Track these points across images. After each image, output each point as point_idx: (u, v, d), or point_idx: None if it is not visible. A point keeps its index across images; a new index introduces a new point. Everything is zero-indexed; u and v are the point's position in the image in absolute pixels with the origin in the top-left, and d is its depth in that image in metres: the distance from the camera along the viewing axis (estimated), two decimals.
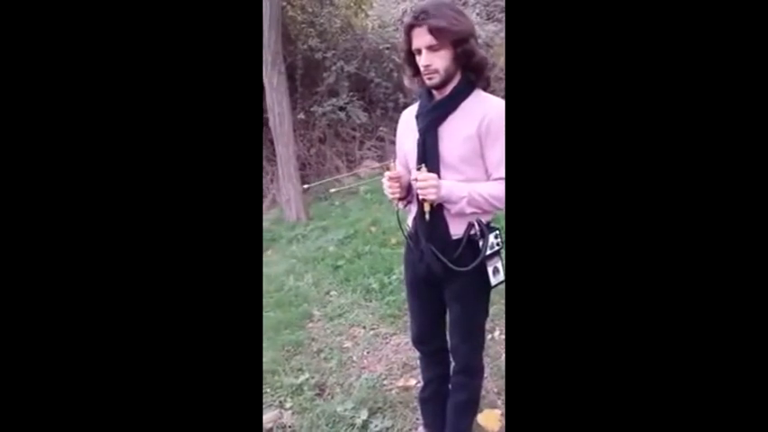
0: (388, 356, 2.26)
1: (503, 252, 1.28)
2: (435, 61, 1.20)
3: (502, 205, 1.22)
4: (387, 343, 2.37)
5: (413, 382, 2.04)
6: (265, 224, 4.57)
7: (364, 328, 2.52)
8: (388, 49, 5.95)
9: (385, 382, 2.06)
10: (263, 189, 5.27)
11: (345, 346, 2.38)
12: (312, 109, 5.51)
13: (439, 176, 1.24)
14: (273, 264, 3.56)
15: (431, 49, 1.19)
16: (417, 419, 1.78)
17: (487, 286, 1.31)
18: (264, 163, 5.27)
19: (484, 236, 1.25)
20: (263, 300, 2.94)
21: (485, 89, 1.28)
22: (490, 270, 1.28)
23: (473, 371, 1.50)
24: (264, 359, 2.27)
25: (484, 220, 1.28)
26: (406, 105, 6.82)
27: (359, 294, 2.87)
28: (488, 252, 1.26)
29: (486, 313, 1.43)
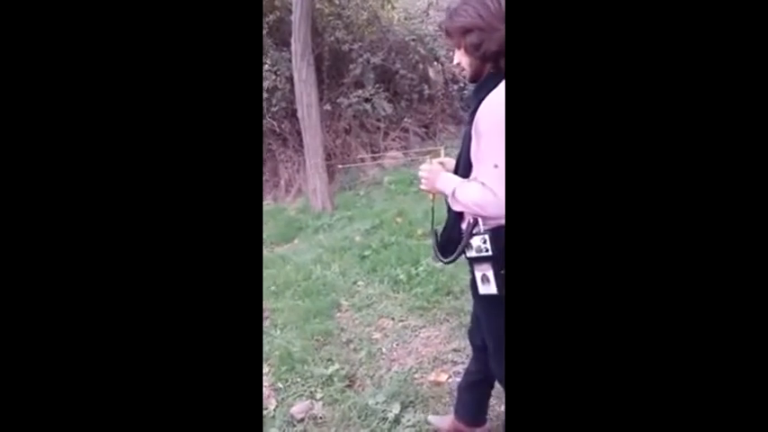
0: (417, 350, 2.23)
1: (499, 264, 1.16)
2: (459, 58, 1.22)
3: (482, 210, 1.15)
4: (416, 336, 2.35)
5: (444, 377, 2.01)
6: (292, 213, 4.58)
7: (393, 319, 2.50)
8: (413, 40, 5.88)
9: (416, 376, 2.04)
10: (291, 178, 5.28)
11: (374, 337, 2.36)
12: (338, 100, 5.49)
13: (470, 172, 1.21)
14: (301, 252, 3.57)
15: (455, 47, 1.22)
16: (449, 413, 1.76)
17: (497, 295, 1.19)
18: (292, 153, 5.27)
19: (472, 235, 1.19)
20: (291, 289, 2.95)
21: None
22: (478, 276, 1.21)
23: (498, 381, 1.46)
24: (294, 348, 2.27)
25: (492, 221, 1.17)
26: (430, 97, 6.70)
27: (386, 285, 2.84)
28: (475, 254, 1.19)
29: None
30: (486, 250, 1.17)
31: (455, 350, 2.17)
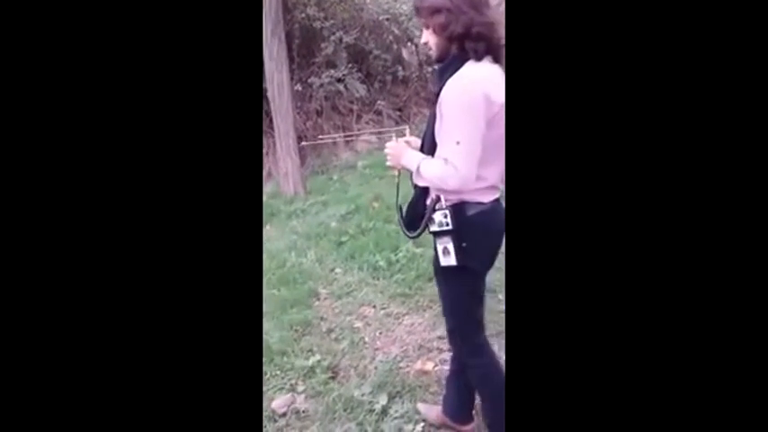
0: (401, 338, 2.17)
1: (459, 238, 1.25)
2: (427, 37, 1.26)
3: (444, 185, 1.21)
4: (399, 323, 2.28)
5: (430, 365, 1.95)
6: (262, 198, 4.41)
7: (374, 307, 2.42)
8: (387, 20, 5.74)
9: (401, 365, 1.97)
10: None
11: (356, 326, 2.28)
12: (309, 80, 5.31)
13: (435, 150, 1.24)
14: (273, 239, 3.43)
15: (424, 26, 1.26)
16: (438, 404, 1.71)
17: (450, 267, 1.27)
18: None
19: (435, 210, 1.26)
20: (266, 277, 2.83)
21: (479, 60, 1.20)
22: (440, 249, 1.27)
23: (460, 356, 1.48)
24: (272, 339, 2.17)
25: (453, 197, 1.24)
26: (404, 78, 6.53)
27: (366, 272, 2.76)
28: (437, 229, 1.26)
29: (465, 298, 1.36)
30: (447, 224, 1.24)
31: (440, 337, 2.11)
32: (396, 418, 1.68)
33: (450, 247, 1.25)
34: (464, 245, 1.24)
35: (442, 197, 1.25)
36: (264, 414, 1.75)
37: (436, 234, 1.27)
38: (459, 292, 1.36)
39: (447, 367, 1.80)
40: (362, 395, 1.77)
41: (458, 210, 1.24)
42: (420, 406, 1.71)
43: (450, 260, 1.25)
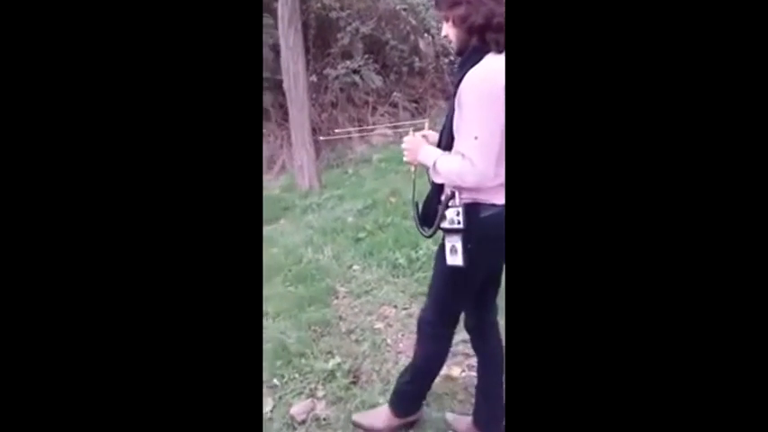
0: None
1: (468, 239, 1.23)
2: (447, 30, 1.24)
3: (461, 181, 1.19)
4: None
5: (457, 371, 1.85)
6: (276, 191, 4.34)
7: (395, 307, 2.32)
8: (404, 10, 5.60)
9: None
10: (273, 155, 5.00)
11: (377, 327, 2.19)
12: (325, 72, 5.20)
13: (453, 144, 1.23)
14: (289, 234, 3.35)
15: (444, 19, 1.24)
16: (465, 412, 1.61)
17: (443, 261, 1.27)
18: (274, 127, 4.99)
19: (448, 207, 1.24)
20: (282, 273, 2.74)
21: (500, 52, 1.16)
22: (448, 247, 1.26)
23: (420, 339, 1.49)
24: (290, 340, 2.08)
25: (467, 196, 1.23)
26: (421, 70, 6.41)
27: (385, 270, 2.66)
28: (448, 226, 1.24)
29: (445, 290, 1.37)
30: (459, 222, 1.22)
31: (464, 341, 1.99)
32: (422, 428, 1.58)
33: (459, 246, 1.23)
34: (469, 246, 1.22)
35: (457, 194, 1.23)
36: (283, 421, 1.67)
37: (446, 231, 1.25)
38: (452, 291, 1.36)
39: (474, 373, 1.71)
40: (386, 402, 1.67)
41: (471, 210, 1.22)
42: (448, 416, 1.61)
43: (457, 260, 1.23)
